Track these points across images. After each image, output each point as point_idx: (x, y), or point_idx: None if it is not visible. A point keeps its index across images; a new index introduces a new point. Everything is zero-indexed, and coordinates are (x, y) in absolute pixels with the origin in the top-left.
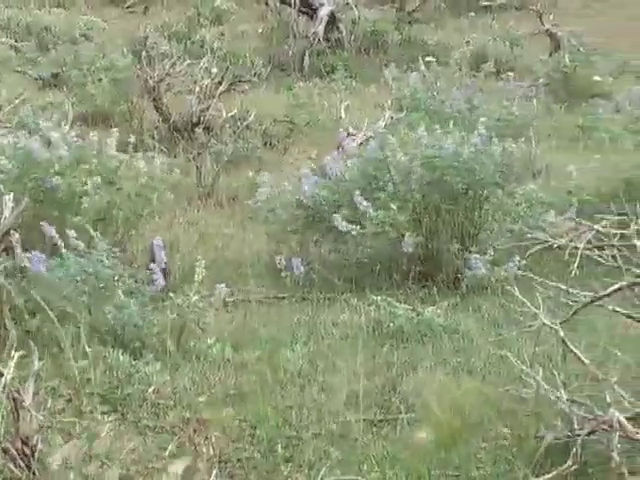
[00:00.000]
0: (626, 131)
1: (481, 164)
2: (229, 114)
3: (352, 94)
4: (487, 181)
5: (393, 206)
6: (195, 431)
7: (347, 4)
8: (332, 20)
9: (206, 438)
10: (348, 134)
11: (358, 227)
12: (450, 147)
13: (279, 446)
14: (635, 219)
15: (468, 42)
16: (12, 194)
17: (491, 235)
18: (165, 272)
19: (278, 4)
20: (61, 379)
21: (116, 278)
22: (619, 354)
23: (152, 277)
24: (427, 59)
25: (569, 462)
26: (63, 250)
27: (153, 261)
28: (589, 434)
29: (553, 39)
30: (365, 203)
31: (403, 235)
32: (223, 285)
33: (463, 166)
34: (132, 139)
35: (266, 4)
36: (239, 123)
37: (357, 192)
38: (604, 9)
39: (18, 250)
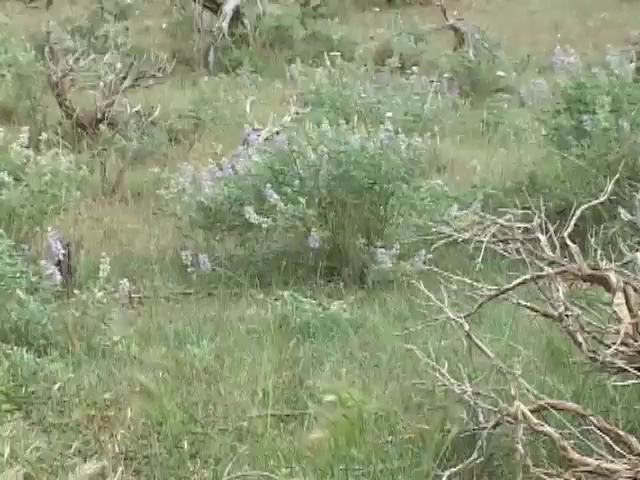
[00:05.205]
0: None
1: (387, 159)
2: (134, 110)
3: (257, 89)
4: (393, 176)
5: (302, 200)
6: (100, 428)
7: None
8: (237, 15)
9: (111, 435)
10: (253, 129)
11: (269, 219)
12: (356, 142)
13: (185, 442)
14: (538, 213)
15: (372, 37)
16: None
17: (397, 229)
18: (62, 266)
19: None
20: None
21: (17, 275)
22: (523, 347)
23: (46, 272)
24: (332, 54)
25: (475, 455)
26: None
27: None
28: (494, 427)
29: (457, 34)
30: (275, 196)
31: (309, 230)
32: (126, 280)
33: (369, 161)
34: (44, 136)
35: None
36: (144, 119)
37: (268, 185)
38: (507, 4)
39: None
